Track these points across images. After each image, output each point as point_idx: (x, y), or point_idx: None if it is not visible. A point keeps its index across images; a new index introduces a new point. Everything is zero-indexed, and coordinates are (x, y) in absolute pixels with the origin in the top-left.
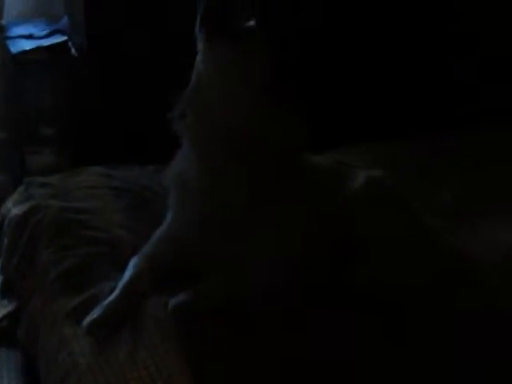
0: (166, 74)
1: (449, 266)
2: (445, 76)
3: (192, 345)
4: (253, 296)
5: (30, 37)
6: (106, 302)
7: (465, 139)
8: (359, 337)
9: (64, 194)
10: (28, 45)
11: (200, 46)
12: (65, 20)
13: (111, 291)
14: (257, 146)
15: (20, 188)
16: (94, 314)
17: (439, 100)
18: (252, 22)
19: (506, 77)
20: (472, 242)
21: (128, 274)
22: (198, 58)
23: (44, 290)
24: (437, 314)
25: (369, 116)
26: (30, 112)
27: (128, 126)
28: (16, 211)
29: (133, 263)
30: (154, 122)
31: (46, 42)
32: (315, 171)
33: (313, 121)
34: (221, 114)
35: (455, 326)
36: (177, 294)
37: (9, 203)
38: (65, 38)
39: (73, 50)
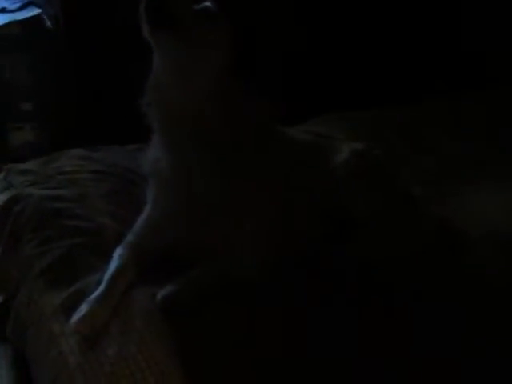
0: (146, 45)
1: (435, 237)
2: (427, 42)
3: (183, 338)
4: (242, 282)
5: (2, 10)
6: (93, 296)
7: (449, 106)
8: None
9: (45, 181)
10: (0, 19)
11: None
12: None
13: (98, 284)
14: (220, 130)
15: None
16: (82, 310)
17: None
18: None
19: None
20: (458, 212)
21: (113, 265)
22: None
23: (29, 285)
24: (424, 286)
25: (347, 84)
26: (7, 88)
27: (107, 99)
28: None
29: (117, 253)
30: (133, 97)
31: (19, 16)
32: (295, 147)
33: (286, 91)
34: (177, 104)
35: (442, 299)
36: (164, 284)
37: None
38: (39, 10)
39: (47, 23)
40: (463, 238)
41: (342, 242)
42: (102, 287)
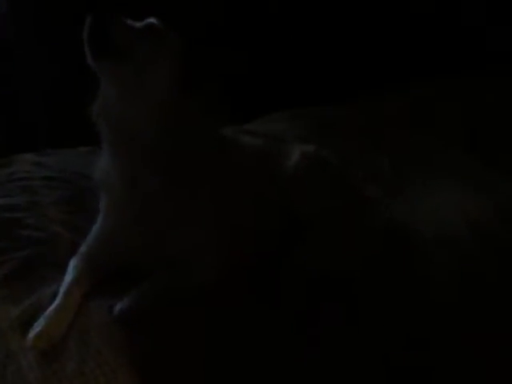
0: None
1: (385, 239)
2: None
3: (141, 351)
4: (198, 290)
5: None
6: (49, 310)
7: (401, 100)
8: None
9: None
10: None
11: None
12: None
13: (53, 296)
14: (168, 145)
15: None
16: (38, 325)
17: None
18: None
19: None
20: (409, 212)
21: (68, 277)
22: None
23: None
24: (377, 293)
25: (297, 79)
26: None
27: (58, 99)
28: None
29: (72, 265)
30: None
31: None
32: (246, 153)
33: (239, 89)
34: (124, 125)
35: (396, 300)
36: (120, 295)
37: None
38: None
39: None
40: (414, 240)
41: (292, 245)
42: (57, 300)
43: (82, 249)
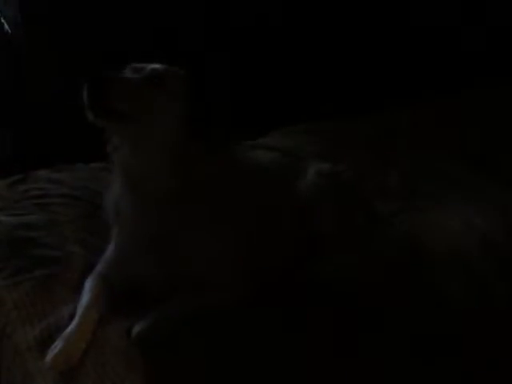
0: (107, 46)
1: (399, 256)
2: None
3: (158, 374)
4: (216, 313)
5: None
6: (67, 332)
7: (411, 115)
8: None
9: (12, 207)
10: None
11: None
12: None
13: (70, 317)
14: (178, 190)
15: None
16: (56, 347)
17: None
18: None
19: None
20: (420, 228)
21: (85, 297)
22: None
23: (1, 318)
24: (390, 305)
25: (309, 94)
26: None
27: (67, 103)
28: None
29: (89, 285)
30: None
31: None
32: (261, 173)
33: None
34: (135, 173)
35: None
36: (137, 316)
37: None
38: None
39: (6, 27)
40: (426, 256)
41: (309, 264)
42: (75, 322)
43: (98, 268)
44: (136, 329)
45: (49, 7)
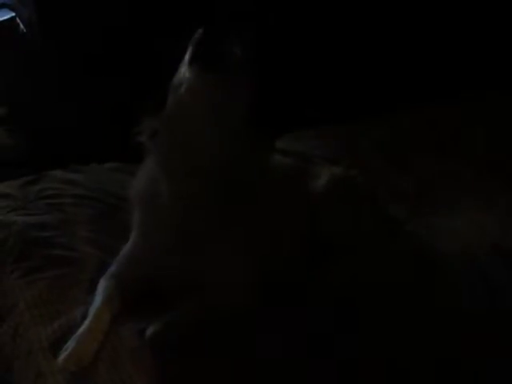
0: (122, 46)
1: (411, 262)
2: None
3: (171, 376)
4: (230, 314)
5: None
6: (79, 332)
7: (425, 119)
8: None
9: (25, 207)
10: None
11: (187, 75)
12: None
13: (83, 317)
14: (230, 178)
15: None
16: (68, 347)
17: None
18: (237, 52)
19: None
20: (434, 233)
21: (98, 298)
22: (182, 85)
23: (14, 317)
24: (401, 311)
25: (321, 97)
26: None
27: (82, 103)
28: None
29: (102, 285)
30: (108, 101)
31: None
32: (279, 176)
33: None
34: (198, 148)
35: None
36: (150, 319)
37: None
38: (12, 14)
39: (21, 27)
40: (439, 262)
41: (322, 268)
42: (87, 322)
43: (112, 269)
44: (149, 330)
45: (64, 7)
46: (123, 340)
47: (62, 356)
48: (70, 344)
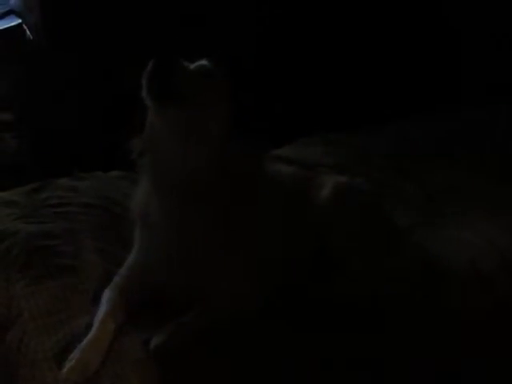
0: (128, 56)
1: (420, 275)
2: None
3: None
4: (232, 327)
5: None
6: (84, 343)
7: (431, 128)
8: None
9: (31, 215)
10: None
11: (149, 105)
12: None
13: (87, 328)
14: (215, 187)
15: None
16: (73, 358)
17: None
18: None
19: None
20: (440, 244)
21: (102, 309)
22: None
23: (19, 327)
24: (407, 323)
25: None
26: None
27: (89, 109)
28: None
29: (106, 296)
30: (115, 107)
31: None
32: (281, 185)
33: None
34: (175, 167)
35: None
36: (155, 329)
37: None
38: (18, 20)
39: (28, 33)
40: (445, 273)
41: (325, 276)
42: (92, 333)
43: (116, 279)
44: (154, 341)
45: (70, 14)
46: (127, 351)
47: (67, 367)
48: (75, 354)
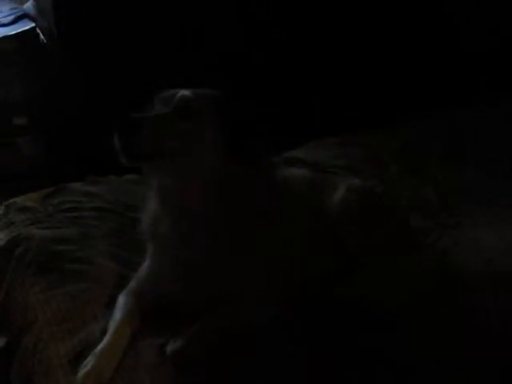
0: (141, 57)
1: (435, 276)
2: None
3: None
4: (249, 331)
5: None
6: (98, 349)
7: (442, 127)
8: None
9: (45, 220)
10: None
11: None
12: (30, 3)
13: (102, 333)
14: (218, 208)
15: None
16: (88, 363)
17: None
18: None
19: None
20: (456, 245)
21: (118, 314)
22: None
23: (34, 333)
24: (422, 328)
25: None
26: (1, 102)
27: (103, 112)
28: None
29: (121, 301)
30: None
31: (12, 30)
32: (292, 191)
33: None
34: (175, 197)
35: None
36: (171, 334)
37: None
38: (32, 24)
39: (41, 37)
40: (462, 276)
41: (341, 282)
42: (106, 339)
43: (131, 284)
44: (171, 346)
45: (84, 18)
46: (142, 356)
47: (81, 372)
48: (90, 360)
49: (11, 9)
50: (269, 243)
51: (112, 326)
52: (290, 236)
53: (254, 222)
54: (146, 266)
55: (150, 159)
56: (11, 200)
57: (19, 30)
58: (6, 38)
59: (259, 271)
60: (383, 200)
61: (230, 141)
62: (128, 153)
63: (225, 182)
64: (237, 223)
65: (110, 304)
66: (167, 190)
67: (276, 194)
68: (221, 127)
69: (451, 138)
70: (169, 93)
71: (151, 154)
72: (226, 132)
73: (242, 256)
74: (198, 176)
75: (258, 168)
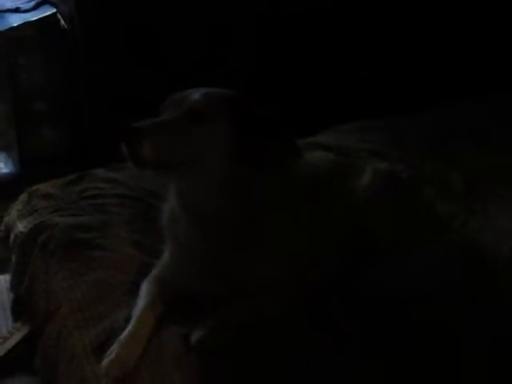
0: (162, 42)
1: (460, 263)
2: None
3: (217, 383)
4: (272, 321)
5: (16, 10)
6: (123, 337)
7: (471, 112)
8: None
9: (68, 207)
10: (16, 20)
11: None
12: None
13: (126, 321)
14: (236, 213)
15: (22, 197)
16: (112, 352)
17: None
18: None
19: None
20: (483, 231)
21: (141, 302)
22: None
23: (58, 321)
24: (448, 317)
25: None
26: (23, 88)
27: (121, 98)
28: (21, 228)
29: (145, 289)
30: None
31: (33, 16)
32: (316, 177)
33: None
34: (189, 200)
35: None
36: (195, 323)
37: (13, 214)
38: (53, 10)
39: (62, 22)
40: (489, 260)
41: (366, 268)
42: (130, 327)
43: (155, 272)
44: (195, 335)
45: (103, 3)
46: (167, 345)
47: (106, 361)
48: (114, 348)
49: None
50: (291, 236)
51: (136, 313)
52: (313, 226)
53: (271, 219)
54: (166, 256)
55: (158, 167)
56: (34, 187)
57: (40, 16)
58: (27, 23)
59: (282, 262)
60: (409, 185)
61: (243, 144)
62: (136, 161)
63: (237, 183)
64: (253, 222)
65: (134, 291)
66: (182, 192)
67: (295, 190)
68: (233, 130)
69: (477, 123)
70: (181, 95)
71: (159, 161)
72: (239, 135)
73: (262, 250)
74: (209, 181)
75: (271, 168)
